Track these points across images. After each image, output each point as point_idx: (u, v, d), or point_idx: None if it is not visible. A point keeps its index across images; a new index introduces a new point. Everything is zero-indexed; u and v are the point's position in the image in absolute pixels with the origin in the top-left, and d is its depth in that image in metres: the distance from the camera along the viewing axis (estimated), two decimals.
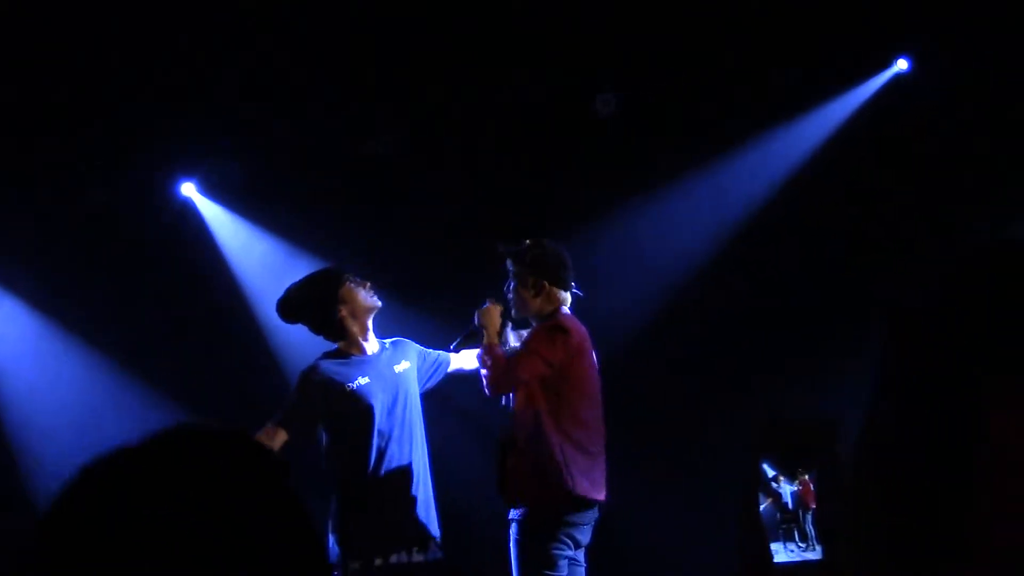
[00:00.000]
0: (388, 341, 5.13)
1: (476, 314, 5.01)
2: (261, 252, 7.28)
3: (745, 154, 6.90)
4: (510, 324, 5.12)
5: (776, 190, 6.89)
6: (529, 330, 5.02)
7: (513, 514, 4.85)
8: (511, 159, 6.95)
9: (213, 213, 7.31)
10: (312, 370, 4.94)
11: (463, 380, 5.26)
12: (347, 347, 4.99)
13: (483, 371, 4.85)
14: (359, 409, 4.84)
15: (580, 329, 4.97)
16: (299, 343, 5.97)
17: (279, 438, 4.80)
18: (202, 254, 7.25)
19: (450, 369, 5.21)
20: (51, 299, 7.24)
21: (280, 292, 5.05)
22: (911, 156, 6.64)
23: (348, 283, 4.96)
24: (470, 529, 6.47)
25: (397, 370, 5.00)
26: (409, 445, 4.92)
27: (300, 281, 5.04)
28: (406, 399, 4.96)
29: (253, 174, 7.14)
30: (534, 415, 4.81)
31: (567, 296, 5.01)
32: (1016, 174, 6.56)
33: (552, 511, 4.77)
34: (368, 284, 5.01)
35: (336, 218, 7.11)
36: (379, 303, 5.00)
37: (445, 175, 7.03)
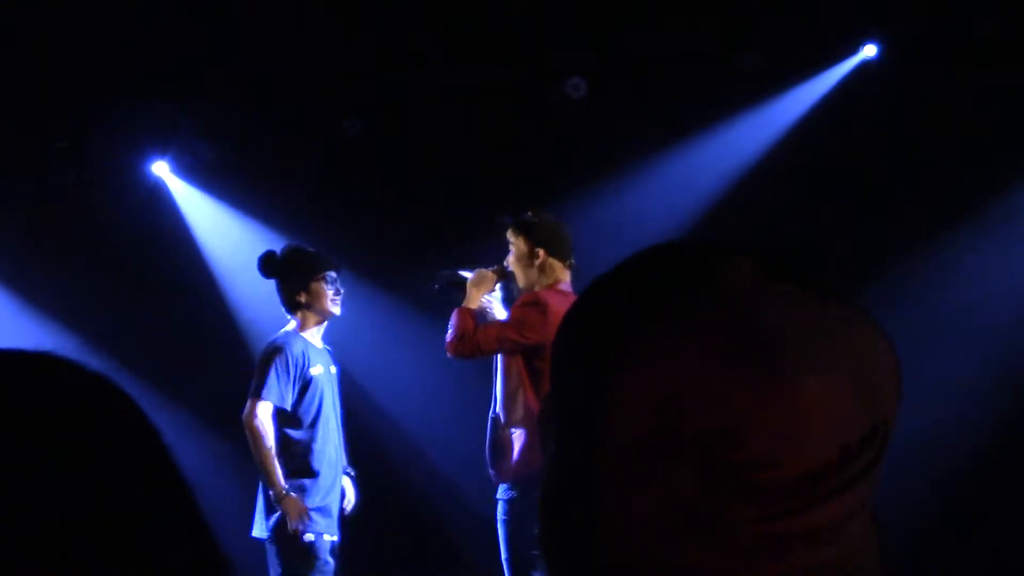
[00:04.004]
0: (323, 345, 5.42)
1: (473, 272, 5.02)
2: (232, 231, 7.28)
3: (711, 139, 6.94)
4: (502, 296, 5.13)
5: (741, 175, 6.94)
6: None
7: (500, 494, 4.89)
8: (484, 139, 6.97)
9: (184, 192, 7.30)
10: (285, 345, 5.17)
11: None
12: (303, 329, 5.26)
13: (448, 331, 4.88)
14: (314, 395, 5.15)
15: (566, 305, 4.93)
16: (265, 322, 5.98)
17: (267, 410, 5.10)
18: (172, 233, 7.24)
19: None
20: (16, 276, 7.20)
21: (250, 268, 5.27)
22: (877, 143, 6.69)
23: (322, 281, 5.18)
24: (461, 507, 6.57)
25: (332, 371, 5.32)
26: (340, 440, 5.30)
27: (294, 248, 5.35)
28: (339, 397, 5.36)
29: (225, 153, 7.13)
30: (516, 391, 4.85)
31: (566, 271, 4.98)
32: (983, 163, 6.63)
33: (535, 490, 4.79)
34: (340, 291, 5.25)
35: (309, 199, 7.12)
36: (334, 313, 5.25)
37: (419, 156, 7.04)
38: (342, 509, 5.28)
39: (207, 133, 7.07)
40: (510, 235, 5.00)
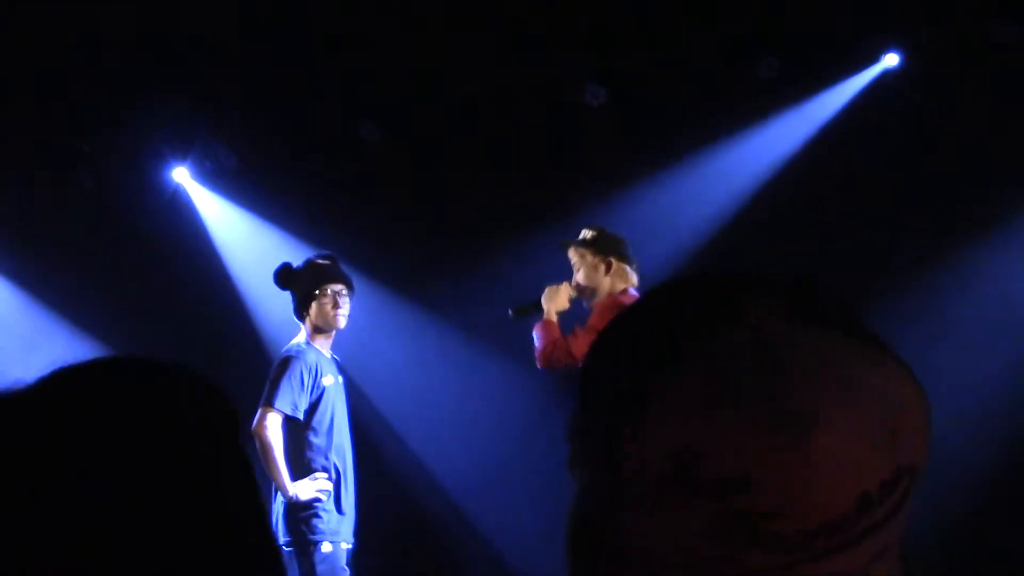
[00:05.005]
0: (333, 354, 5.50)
1: (544, 292, 5.10)
2: (252, 237, 7.29)
3: (729, 149, 6.92)
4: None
5: (761, 185, 6.91)
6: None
7: None
8: (503, 145, 6.97)
9: (204, 197, 7.32)
10: (299, 355, 5.25)
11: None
12: (312, 340, 5.35)
13: (536, 343, 4.97)
14: (326, 405, 5.24)
15: None
16: (284, 327, 6.00)
17: (277, 420, 5.17)
18: (192, 238, 7.27)
19: None
20: (37, 281, 7.23)
21: (269, 274, 5.38)
22: (900, 151, 6.65)
23: (323, 295, 5.28)
24: (468, 515, 6.55)
25: (339, 381, 5.40)
26: (351, 447, 5.36)
27: (308, 260, 5.46)
28: (347, 406, 5.44)
29: (246, 158, 7.15)
30: None
31: (634, 274, 5.08)
32: (1009, 173, 6.59)
33: None
34: (345, 303, 5.33)
35: (329, 203, 7.13)
36: (338, 326, 5.33)
37: (438, 161, 7.04)
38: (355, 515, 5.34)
39: (227, 138, 7.08)
40: (574, 254, 5.10)
